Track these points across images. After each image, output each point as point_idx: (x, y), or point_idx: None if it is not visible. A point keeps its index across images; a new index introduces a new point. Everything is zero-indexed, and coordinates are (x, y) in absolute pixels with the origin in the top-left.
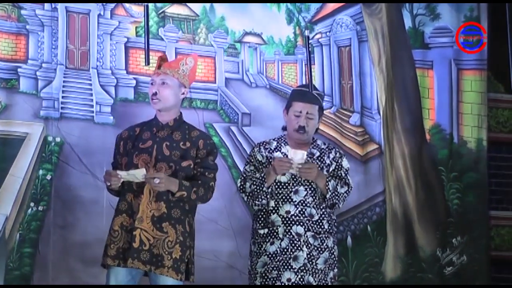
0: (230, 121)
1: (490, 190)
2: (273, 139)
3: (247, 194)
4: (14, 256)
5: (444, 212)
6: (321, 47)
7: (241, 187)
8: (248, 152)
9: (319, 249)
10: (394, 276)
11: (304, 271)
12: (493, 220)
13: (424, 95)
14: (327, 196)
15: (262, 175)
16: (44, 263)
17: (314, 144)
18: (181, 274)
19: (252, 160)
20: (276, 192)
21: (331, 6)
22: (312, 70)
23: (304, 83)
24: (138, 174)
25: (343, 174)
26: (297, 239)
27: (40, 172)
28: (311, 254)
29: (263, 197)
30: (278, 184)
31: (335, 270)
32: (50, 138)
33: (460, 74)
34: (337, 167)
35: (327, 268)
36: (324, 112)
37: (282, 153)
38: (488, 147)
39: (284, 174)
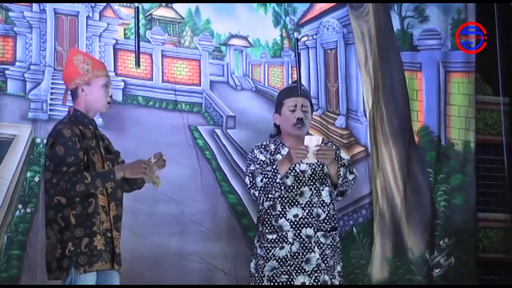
0: (214, 124)
1: (478, 192)
2: (269, 142)
3: (259, 188)
4: (2, 258)
5: (432, 214)
6: (308, 50)
7: (251, 183)
8: (249, 155)
9: (332, 247)
10: (381, 278)
11: (318, 271)
12: (482, 222)
13: (412, 97)
14: (339, 182)
15: (274, 167)
16: (32, 265)
17: None
18: None
19: (255, 160)
20: (282, 196)
21: (318, 9)
22: (297, 73)
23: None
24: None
25: (346, 163)
26: (308, 242)
27: (28, 174)
28: (324, 253)
29: (276, 189)
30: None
31: (341, 263)
32: (38, 140)
33: (448, 76)
34: (337, 159)
35: (335, 263)
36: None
37: (282, 155)
38: (476, 149)
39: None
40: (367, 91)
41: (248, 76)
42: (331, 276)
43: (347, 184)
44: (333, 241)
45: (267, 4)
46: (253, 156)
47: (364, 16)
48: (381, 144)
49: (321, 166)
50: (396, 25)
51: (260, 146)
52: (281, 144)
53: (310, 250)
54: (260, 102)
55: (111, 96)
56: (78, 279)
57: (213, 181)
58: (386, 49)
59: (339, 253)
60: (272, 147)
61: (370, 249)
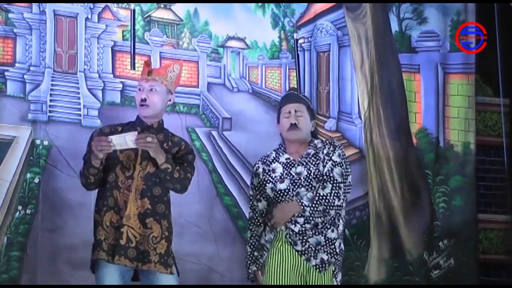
0: (211, 125)
1: (479, 194)
2: (273, 150)
3: (248, 238)
4: (2, 259)
5: (430, 215)
6: (304, 52)
7: (249, 228)
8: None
9: (314, 230)
10: (378, 279)
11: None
12: (482, 223)
13: (410, 99)
14: (307, 213)
15: (255, 258)
16: (32, 266)
17: (311, 144)
18: (170, 267)
19: (254, 183)
20: (279, 200)
21: (314, 11)
22: (296, 74)
23: (289, 86)
24: (128, 137)
25: (328, 170)
26: (292, 232)
27: (28, 175)
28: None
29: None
30: (279, 192)
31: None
32: (38, 141)
33: (447, 78)
34: (326, 162)
35: (323, 253)
36: None
37: (280, 162)
38: (476, 151)
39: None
40: (362, 93)
41: (244, 78)
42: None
43: (322, 201)
44: (319, 231)
45: (266, 5)
46: (251, 179)
47: (361, 18)
48: (378, 146)
49: (315, 166)
50: (394, 26)
51: (260, 160)
52: (282, 150)
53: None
54: (257, 104)
55: (143, 99)
56: (99, 274)
57: (209, 183)
58: (384, 50)
59: (334, 253)
60: (273, 155)
61: (366, 250)
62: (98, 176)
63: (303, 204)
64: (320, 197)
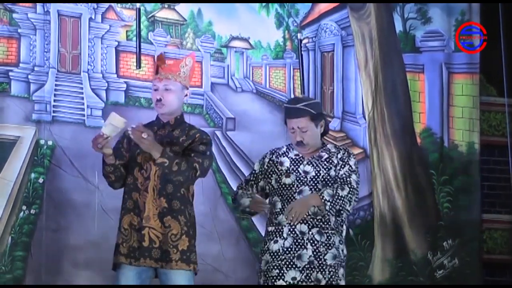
0: (215, 125)
1: (483, 193)
2: (285, 145)
3: (235, 201)
4: (6, 259)
5: (434, 215)
6: (308, 52)
7: (237, 188)
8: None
9: (327, 245)
10: (382, 279)
11: (310, 268)
12: (486, 223)
13: (415, 99)
14: (327, 208)
15: (250, 198)
16: (36, 266)
17: (324, 148)
18: (193, 263)
19: (255, 168)
20: (282, 193)
21: (318, 11)
22: (300, 74)
23: (294, 87)
24: (113, 121)
25: (346, 174)
26: (301, 238)
27: (32, 175)
28: (317, 250)
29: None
30: (283, 185)
31: (343, 267)
32: (42, 141)
33: (451, 77)
34: (342, 166)
35: (337, 265)
36: None
37: (289, 157)
38: (481, 151)
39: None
40: (366, 93)
41: (248, 78)
42: (328, 276)
43: (339, 201)
44: (328, 239)
45: (270, 5)
46: (255, 164)
47: (365, 18)
48: (382, 146)
49: (326, 169)
50: (398, 26)
51: (268, 151)
52: (292, 147)
53: (303, 246)
54: (261, 104)
55: (158, 100)
56: (117, 276)
57: (213, 183)
58: (388, 50)
59: (341, 257)
60: (284, 149)
61: (370, 250)
62: (117, 173)
63: (324, 199)
64: (339, 197)
